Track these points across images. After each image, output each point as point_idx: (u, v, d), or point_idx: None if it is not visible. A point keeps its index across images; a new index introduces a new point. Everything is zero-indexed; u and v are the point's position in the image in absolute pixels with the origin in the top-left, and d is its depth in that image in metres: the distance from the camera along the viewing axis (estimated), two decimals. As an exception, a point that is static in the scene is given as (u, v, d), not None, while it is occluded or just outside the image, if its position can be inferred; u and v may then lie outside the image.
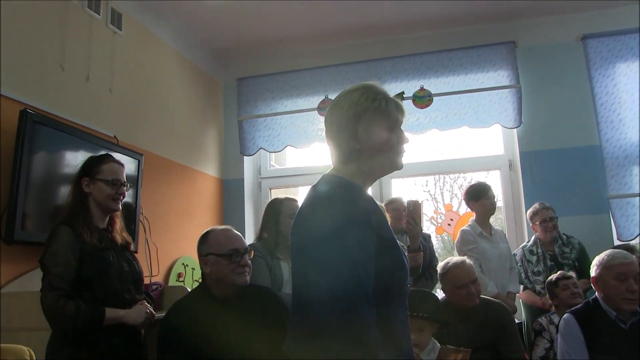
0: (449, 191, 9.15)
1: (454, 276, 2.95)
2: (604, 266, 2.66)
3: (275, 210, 3.19)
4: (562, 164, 4.47)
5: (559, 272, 3.44)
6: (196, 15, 4.36)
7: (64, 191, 2.79)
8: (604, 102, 4.42)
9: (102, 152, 2.65)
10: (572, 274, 3.43)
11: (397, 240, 1.52)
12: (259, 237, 3.22)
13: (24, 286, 2.73)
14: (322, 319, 1.29)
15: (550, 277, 3.43)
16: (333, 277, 1.30)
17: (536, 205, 4.01)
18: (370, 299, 1.30)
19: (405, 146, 1.56)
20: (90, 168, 2.40)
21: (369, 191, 1.58)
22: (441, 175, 8.32)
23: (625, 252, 2.74)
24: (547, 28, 4.68)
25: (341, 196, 1.43)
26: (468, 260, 3.03)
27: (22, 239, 2.70)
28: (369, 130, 1.51)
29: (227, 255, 2.36)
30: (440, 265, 3.12)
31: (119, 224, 2.51)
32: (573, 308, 2.79)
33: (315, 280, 1.35)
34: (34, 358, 1.60)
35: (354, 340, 1.26)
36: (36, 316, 2.19)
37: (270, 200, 3.37)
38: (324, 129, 1.60)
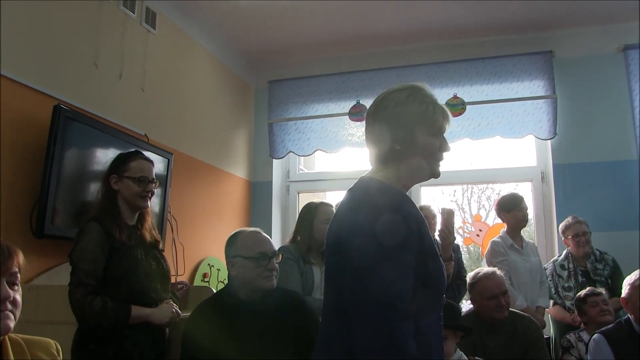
0: (477, 202, 9.05)
1: (484, 287, 2.89)
2: (633, 286, 2.59)
3: (310, 214, 3.16)
4: (597, 177, 4.37)
5: (588, 289, 3.36)
6: (230, 17, 4.37)
7: (94, 187, 2.81)
8: (643, 115, 4.30)
9: (133, 150, 2.64)
10: (602, 290, 3.33)
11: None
12: (293, 240, 3.19)
13: (53, 280, 2.74)
14: (360, 333, 1.26)
15: (579, 294, 3.35)
16: (373, 289, 1.26)
17: (569, 219, 3.92)
18: (409, 314, 1.26)
19: (446, 155, 1.51)
20: (118, 165, 2.40)
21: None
22: (469, 186, 8.24)
23: None
24: (586, 38, 4.58)
25: (386, 202, 1.37)
26: (499, 272, 2.97)
27: (52, 233, 2.71)
28: (414, 133, 1.46)
29: (255, 259, 2.32)
30: (470, 275, 3.07)
31: (149, 221, 2.50)
32: (604, 328, 2.71)
33: (353, 290, 1.31)
34: (60, 352, 1.60)
35: (391, 355, 1.22)
36: (63, 310, 2.21)
37: (306, 203, 3.34)
38: (364, 130, 1.55)
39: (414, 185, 1.61)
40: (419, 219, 1.40)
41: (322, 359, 1.42)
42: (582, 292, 3.32)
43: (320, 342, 1.46)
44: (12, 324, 1.33)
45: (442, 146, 1.50)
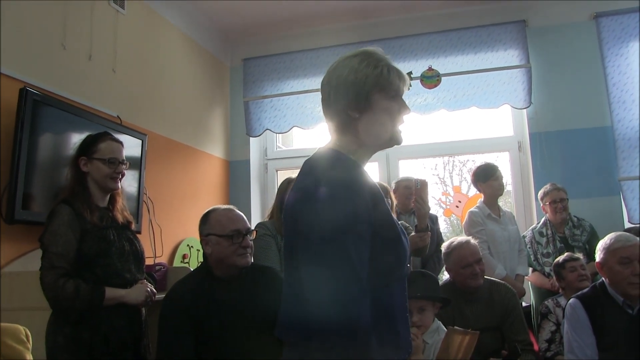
0: (459, 175, 9.11)
1: (459, 256, 2.92)
2: (607, 250, 2.61)
3: (284, 189, 3.15)
4: (573, 145, 4.40)
5: (566, 254, 3.39)
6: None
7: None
8: (616, 82, 4.33)
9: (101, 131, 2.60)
10: (580, 255, 3.37)
11: (403, 221, 1.47)
12: (271, 216, 3.18)
13: (26, 266, 2.72)
14: (316, 305, 1.25)
15: (557, 259, 3.38)
16: (326, 258, 1.25)
17: (547, 186, 3.96)
18: (363, 285, 1.25)
19: (406, 117, 1.48)
20: (87, 147, 2.37)
21: (376, 170, 1.51)
22: (450, 159, 8.28)
23: (628, 234, 2.68)
24: (558, 7, 4.57)
25: (337, 173, 1.34)
26: (473, 240, 3.01)
27: (24, 218, 2.68)
28: (369, 99, 1.41)
29: (229, 237, 2.32)
30: (444, 245, 3.10)
31: (120, 202, 2.48)
32: (579, 293, 2.74)
33: (307, 260, 1.30)
34: (30, 337, 1.59)
35: (348, 327, 1.21)
36: (37, 296, 2.18)
37: (283, 179, 3.33)
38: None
39: (391, 159, 1.58)
40: (372, 189, 1.37)
41: (284, 328, 1.43)
42: (561, 258, 3.35)
43: (282, 310, 1.46)
44: None
45: (401, 109, 1.46)
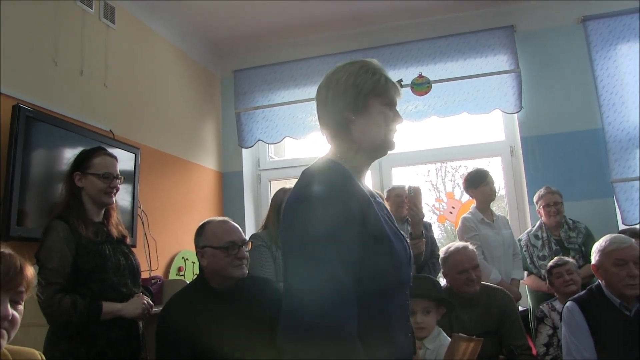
0: (451, 180, 9.12)
1: (456, 261, 2.92)
2: (603, 253, 2.61)
3: (278, 200, 3.16)
4: (565, 148, 4.42)
5: (555, 259, 3.40)
6: (191, 7, 4.32)
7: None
8: (605, 85, 4.36)
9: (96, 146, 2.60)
10: (568, 259, 3.37)
11: (398, 229, 1.47)
12: (265, 226, 3.18)
13: (33, 285, 2.69)
14: (300, 317, 1.24)
15: (548, 265, 3.40)
16: (310, 272, 1.26)
17: (542, 190, 3.97)
18: (349, 294, 1.25)
19: (399, 127, 1.51)
20: (81, 162, 2.38)
21: (368, 177, 1.52)
22: (442, 165, 8.28)
23: (623, 236, 2.67)
24: (546, 11, 4.61)
25: (325, 182, 1.35)
26: (471, 246, 3.00)
27: (19, 234, 2.67)
28: (366, 102, 1.45)
29: (224, 248, 2.32)
30: (442, 250, 3.09)
31: (115, 217, 2.49)
32: (576, 295, 2.74)
33: (295, 275, 1.30)
34: None
35: (332, 335, 1.21)
36: (33, 312, 2.15)
37: (277, 190, 3.34)
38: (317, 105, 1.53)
39: (384, 166, 1.60)
40: (363, 200, 1.37)
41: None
42: (550, 263, 3.37)
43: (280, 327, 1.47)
44: (4, 342, 1.29)
45: (395, 117, 1.50)
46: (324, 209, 1.29)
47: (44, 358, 1.59)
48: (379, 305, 1.35)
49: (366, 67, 1.49)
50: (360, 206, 1.34)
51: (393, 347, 1.37)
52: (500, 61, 4.60)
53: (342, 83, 1.46)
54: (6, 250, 1.30)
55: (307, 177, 1.39)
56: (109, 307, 2.21)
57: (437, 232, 5.21)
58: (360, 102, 1.45)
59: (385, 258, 1.36)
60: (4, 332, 1.29)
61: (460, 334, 2.23)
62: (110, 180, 2.38)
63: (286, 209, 1.38)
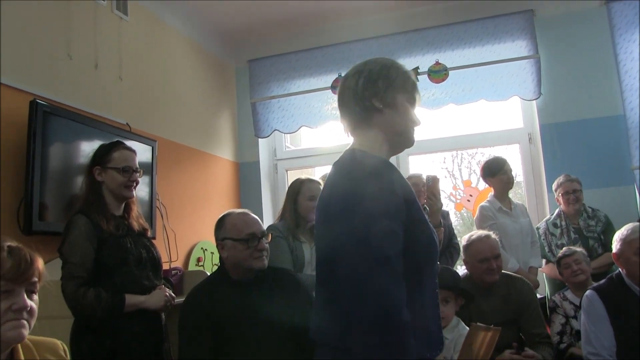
0: (467, 167, 9.08)
1: (477, 249, 2.90)
2: (624, 242, 2.60)
3: (295, 191, 3.15)
4: (585, 135, 4.35)
5: (563, 249, 3.38)
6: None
7: (81, 180, 2.78)
8: (628, 70, 4.24)
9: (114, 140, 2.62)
10: (577, 249, 3.34)
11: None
12: (281, 217, 3.18)
13: (45, 276, 2.72)
14: (353, 302, 1.27)
15: (558, 255, 3.38)
16: (364, 255, 1.27)
17: (561, 177, 3.93)
18: (401, 278, 1.28)
19: (417, 128, 1.55)
20: (101, 156, 2.39)
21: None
22: (458, 152, 8.24)
23: None
24: (567, -6, 4.51)
25: (370, 173, 1.38)
26: (493, 235, 2.98)
27: (41, 229, 2.71)
28: (395, 95, 1.49)
29: (244, 240, 2.32)
30: (464, 238, 3.08)
31: (135, 210, 2.50)
32: (596, 284, 2.74)
33: (344, 261, 1.31)
34: (67, 352, 1.60)
35: (387, 322, 1.23)
36: (58, 305, 2.20)
37: (293, 180, 3.33)
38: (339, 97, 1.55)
39: (401, 155, 1.63)
40: (404, 187, 1.41)
41: (318, 330, 1.44)
42: (559, 254, 3.35)
43: (315, 312, 1.49)
44: (26, 332, 1.34)
45: (415, 119, 1.54)
46: (372, 201, 1.31)
47: (66, 348, 1.62)
48: (418, 291, 1.37)
49: (396, 65, 1.53)
50: (404, 191, 1.38)
51: (429, 336, 1.40)
52: (518, 47, 4.52)
53: (375, 72, 1.49)
54: (14, 243, 1.36)
55: (347, 172, 1.42)
56: (131, 299, 2.24)
57: (454, 220, 5.18)
58: (390, 94, 1.48)
59: (425, 246, 1.40)
60: (25, 322, 1.33)
61: (479, 324, 2.23)
62: (129, 173, 2.39)
63: (330, 205, 1.39)
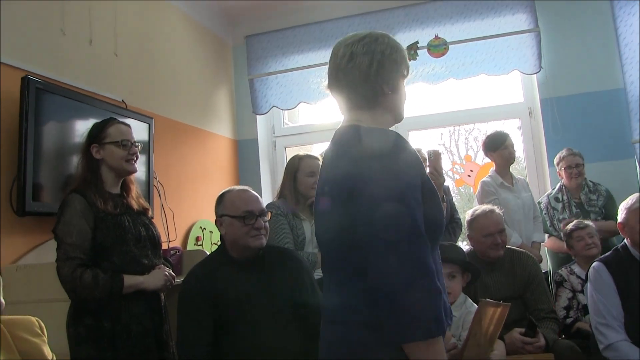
0: (465, 143, 9.04)
1: (482, 224, 2.87)
2: (629, 210, 2.63)
3: (293, 168, 3.10)
4: (585, 109, 4.32)
5: (574, 222, 3.36)
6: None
7: (77, 159, 2.72)
8: (628, 43, 4.20)
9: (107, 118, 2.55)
10: (589, 222, 3.33)
11: None
12: (280, 195, 3.13)
13: (40, 258, 2.69)
14: (381, 257, 1.25)
15: (566, 228, 3.35)
16: (399, 222, 1.26)
17: (563, 151, 3.91)
18: (425, 237, 1.28)
19: (412, 90, 1.56)
20: (96, 134, 2.33)
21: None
22: (455, 127, 8.19)
23: None
24: (566, -34, 4.44)
25: (390, 145, 1.37)
26: (497, 210, 2.95)
27: (35, 210, 2.64)
28: (399, 79, 1.51)
29: (241, 218, 2.29)
30: (468, 212, 3.05)
31: (134, 190, 2.44)
32: (602, 256, 2.75)
33: (369, 231, 1.29)
34: (44, 328, 1.57)
35: (417, 270, 1.24)
36: (54, 287, 2.17)
37: (291, 157, 3.28)
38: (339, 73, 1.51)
39: (401, 130, 1.59)
40: (418, 158, 1.40)
41: (335, 309, 1.42)
42: (569, 226, 3.32)
43: (329, 291, 1.47)
44: None
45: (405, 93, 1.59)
46: (399, 165, 1.33)
47: (42, 325, 1.59)
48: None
49: (399, 45, 1.54)
50: (420, 166, 1.39)
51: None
52: (518, 20, 4.47)
53: (386, 56, 1.48)
54: None
55: (357, 145, 1.39)
56: (130, 280, 2.19)
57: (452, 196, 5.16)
58: (396, 80, 1.50)
59: (437, 215, 1.41)
60: None
61: (488, 299, 2.21)
62: (128, 147, 2.33)
63: (348, 179, 1.36)
